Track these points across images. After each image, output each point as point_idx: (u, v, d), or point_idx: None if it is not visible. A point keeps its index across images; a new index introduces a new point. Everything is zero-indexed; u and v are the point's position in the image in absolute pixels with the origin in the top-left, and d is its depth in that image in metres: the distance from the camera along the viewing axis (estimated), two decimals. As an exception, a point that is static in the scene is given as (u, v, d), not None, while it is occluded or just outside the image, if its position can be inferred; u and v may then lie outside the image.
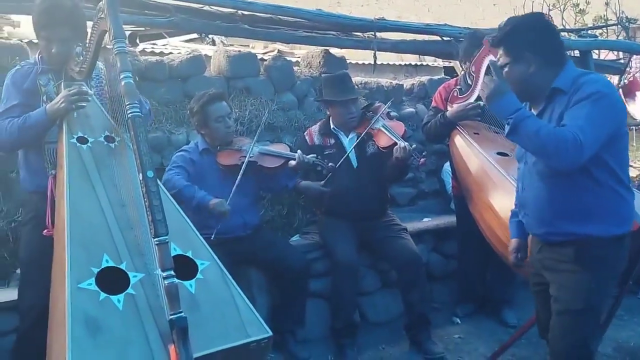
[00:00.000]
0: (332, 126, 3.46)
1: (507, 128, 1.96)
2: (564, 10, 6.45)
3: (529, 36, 2.06)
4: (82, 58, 2.22)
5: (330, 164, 3.16)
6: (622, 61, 5.79)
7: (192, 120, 3.20)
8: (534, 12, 2.22)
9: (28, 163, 2.47)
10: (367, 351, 3.30)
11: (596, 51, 5.58)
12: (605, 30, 6.14)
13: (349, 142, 3.42)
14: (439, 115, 3.41)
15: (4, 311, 2.68)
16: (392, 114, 4.13)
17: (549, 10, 5.89)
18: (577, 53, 5.08)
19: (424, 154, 3.16)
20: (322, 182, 3.22)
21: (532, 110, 2.16)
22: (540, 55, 2.04)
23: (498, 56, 2.12)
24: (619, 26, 5.88)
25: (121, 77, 1.87)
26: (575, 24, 6.51)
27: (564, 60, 2.09)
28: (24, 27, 5.14)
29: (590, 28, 5.78)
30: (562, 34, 5.44)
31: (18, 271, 2.88)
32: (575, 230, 2.03)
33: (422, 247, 3.79)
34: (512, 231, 2.40)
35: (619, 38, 5.83)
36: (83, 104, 2.24)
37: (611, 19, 5.81)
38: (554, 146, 1.87)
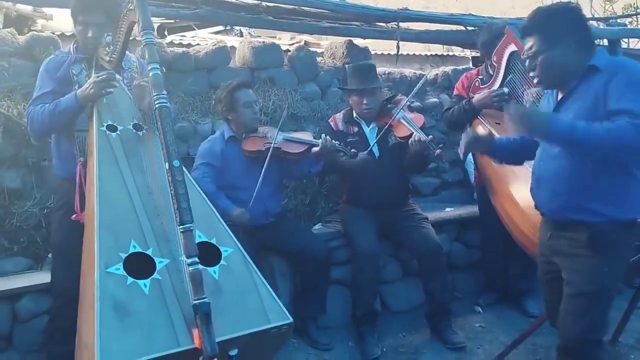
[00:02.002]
0: (354, 115, 3.49)
1: (571, 147, 1.95)
2: (592, -1, 6.35)
3: (565, 20, 2.07)
4: (111, 48, 2.28)
5: (352, 150, 3.19)
6: (652, 50, 5.68)
7: (219, 107, 3.24)
8: (561, 1, 2.24)
9: (60, 150, 2.56)
10: (387, 338, 3.34)
11: (625, 40, 5.49)
12: (634, 19, 6.02)
13: (370, 131, 3.45)
14: (464, 101, 3.40)
15: (38, 293, 2.79)
16: (415, 104, 4.15)
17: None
18: (605, 42, 5.00)
19: (440, 145, 3.17)
20: (365, 152, 3.25)
21: (560, 93, 2.17)
22: (576, 39, 2.06)
23: (530, 44, 2.11)
24: (649, 14, 5.77)
25: (149, 68, 1.93)
26: (604, 12, 6.39)
27: (594, 45, 2.12)
28: (57, 20, 5.27)
29: (619, 17, 5.69)
30: (591, 22, 5.35)
31: (50, 255, 2.99)
32: (590, 207, 2.02)
33: (444, 237, 3.81)
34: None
35: (649, 26, 5.72)
36: (111, 90, 2.30)
37: (641, 7, 5.70)
38: (625, 137, 1.85)
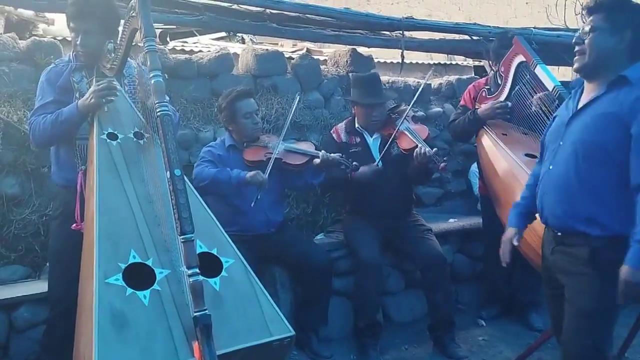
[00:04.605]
0: (356, 125, 3.46)
1: None
2: (597, 9, 6.31)
3: (634, 14, 2.02)
4: (113, 55, 2.25)
5: (354, 163, 3.16)
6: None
7: (220, 116, 3.23)
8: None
9: (58, 158, 2.53)
10: (390, 351, 3.30)
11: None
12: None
13: (372, 142, 3.42)
14: (469, 112, 3.39)
15: (35, 303, 2.76)
16: (419, 113, 4.12)
17: (582, 9, 5.77)
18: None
19: (445, 158, 3.14)
20: (376, 162, 3.24)
21: (585, 92, 2.11)
22: (634, 40, 2.00)
23: (589, 20, 2.05)
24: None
25: (151, 75, 1.90)
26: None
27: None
28: (58, 25, 5.25)
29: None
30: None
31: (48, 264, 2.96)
32: (593, 216, 1.97)
33: (447, 248, 3.78)
34: (511, 219, 2.35)
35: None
36: (112, 98, 2.28)
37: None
38: None
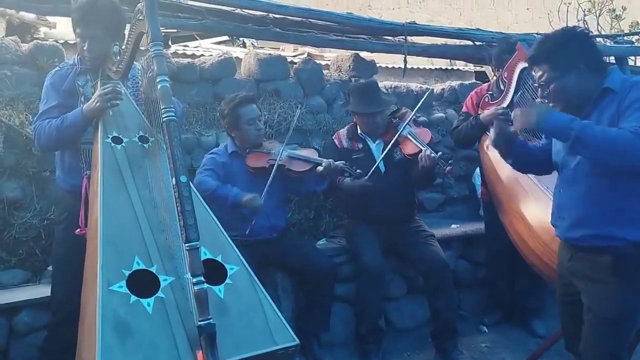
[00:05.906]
0: (359, 131, 3.44)
1: (569, 143, 1.93)
2: (599, 16, 6.34)
3: (573, 46, 2.06)
4: (119, 58, 2.24)
5: (358, 171, 3.14)
6: (658, 68, 5.65)
7: (223, 122, 3.22)
8: (565, 26, 2.24)
9: (63, 163, 2.52)
10: (391, 358, 3.29)
11: (632, 58, 5.48)
12: (642, 37, 6.02)
13: (376, 147, 3.40)
14: (472, 117, 3.39)
15: (36, 307, 2.74)
16: (421, 119, 4.11)
17: (584, 15, 5.79)
18: (612, 59, 4.97)
19: (450, 162, 3.13)
20: (366, 176, 3.18)
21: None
22: (586, 63, 2.04)
23: (540, 73, 2.10)
24: (656, 32, 5.76)
25: (157, 80, 1.88)
26: (611, 29, 6.39)
27: (606, 65, 2.12)
28: (60, 28, 5.23)
29: (627, 34, 5.66)
30: (598, 39, 5.35)
31: (50, 268, 2.94)
32: (617, 234, 1.98)
33: (449, 254, 3.76)
34: None
35: (656, 44, 5.70)
36: (117, 102, 2.27)
37: (648, 25, 5.70)
38: (624, 144, 1.85)
